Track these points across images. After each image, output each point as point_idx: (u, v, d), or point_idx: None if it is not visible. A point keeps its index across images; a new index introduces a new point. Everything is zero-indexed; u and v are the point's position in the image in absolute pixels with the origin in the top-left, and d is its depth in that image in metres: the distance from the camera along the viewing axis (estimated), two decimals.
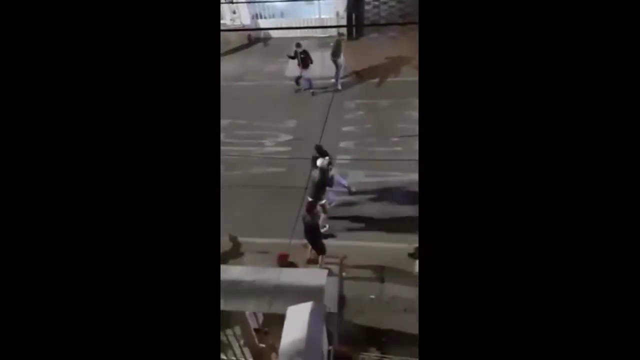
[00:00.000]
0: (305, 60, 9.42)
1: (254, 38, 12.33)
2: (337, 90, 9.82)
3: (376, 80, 10.14)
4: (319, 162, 6.28)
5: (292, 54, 9.51)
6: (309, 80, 9.71)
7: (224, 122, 9.11)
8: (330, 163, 6.30)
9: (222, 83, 9.99)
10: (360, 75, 10.37)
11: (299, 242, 5.88)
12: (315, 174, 6.28)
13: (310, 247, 6.02)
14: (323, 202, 6.51)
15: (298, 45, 9.43)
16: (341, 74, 9.91)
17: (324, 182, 6.29)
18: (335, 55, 9.68)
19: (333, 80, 9.96)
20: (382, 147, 8.00)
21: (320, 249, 5.90)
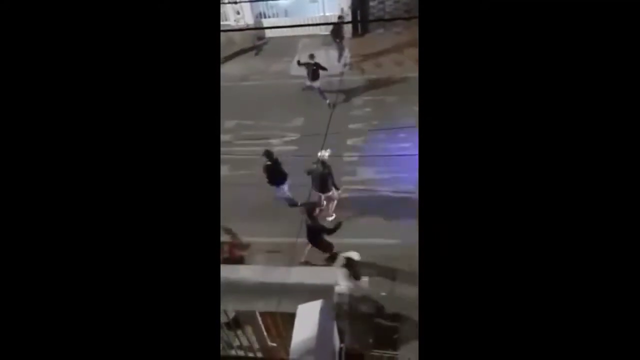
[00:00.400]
0: (315, 72, 9.09)
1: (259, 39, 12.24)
2: (342, 74, 10.13)
3: (382, 76, 10.09)
4: (319, 154, 6.32)
5: (304, 61, 9.19)
6: (319, 88, 9.37)
7: (230, 123, 9.14)
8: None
9: (228, 84, 10.09)
10: (365, 71, 10.34)
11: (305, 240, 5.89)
12: (318, 167, 6.30)
13: (307, 248, 6.00)
14: (330, 193, 6.51)
15: (311, 56, 9.10)
16: (344, 55, 10.48)
17: (326, 174, 6.31)
18: (335, 35, 10.11)
19: (338, 62, 10.36)
20: (390, 144, 7.95)
21: (326, 248, 5.89)
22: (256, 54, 11.70)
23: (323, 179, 6.36)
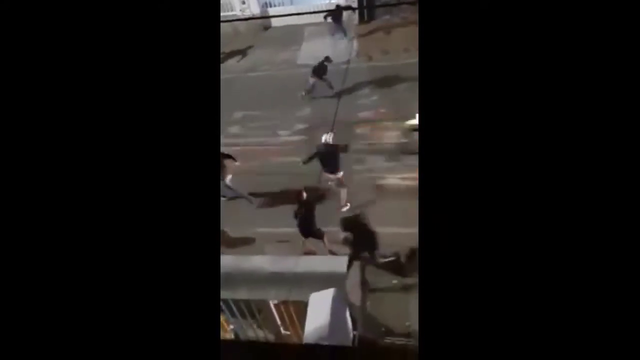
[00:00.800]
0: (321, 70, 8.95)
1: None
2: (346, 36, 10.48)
3: (389, 63, 9.97)
4: (324, 138, 6.46)
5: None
6: (325, 81, 9.13)
7: (238, 115, 9.14)
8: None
9: (234, 75, 10.01)
10: (372, 59, 10.24)
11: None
12: (321, 149, 6.41)
13: (302, 241, 5.95)
14: (340, 175, 6.55)
15: (327, 59, 8.91)
16: (346, 31, 10.62)
17: (332, 153, 6.39)
18: (335, 19, 10.21)
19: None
20: (398, 131, 7.89)
21: (318, 235, 5.86)
22: (242, 58, 11.29)
23: (330, 158, 6.42)
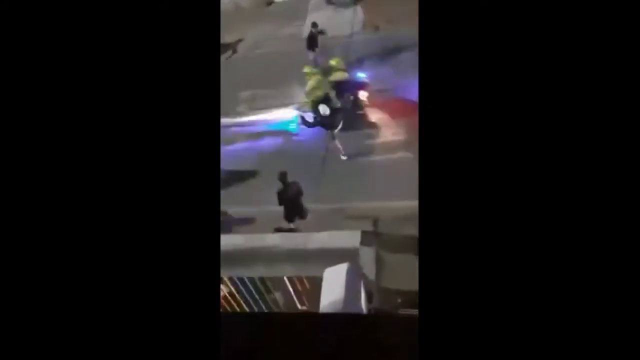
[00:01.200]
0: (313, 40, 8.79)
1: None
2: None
3: (395, 33, 9.72)
4: (320, 109, 6.92)
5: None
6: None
7: (245, 94, 9.07)
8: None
9: (239, 54, 9.86)
10: (378, 28, 9.98)
11: (319, 207, 5.91)
12: (313, 118, 6.98)
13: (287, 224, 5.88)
14: (340, 127, 6.97)
15: (314, 25, 8.71)
16: None
17: (326, 117, 6.85)
18: None
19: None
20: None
21: (303, 215, 5.84)
22: (233, 53, 10.86)
23: (328, 122, 6.83)
